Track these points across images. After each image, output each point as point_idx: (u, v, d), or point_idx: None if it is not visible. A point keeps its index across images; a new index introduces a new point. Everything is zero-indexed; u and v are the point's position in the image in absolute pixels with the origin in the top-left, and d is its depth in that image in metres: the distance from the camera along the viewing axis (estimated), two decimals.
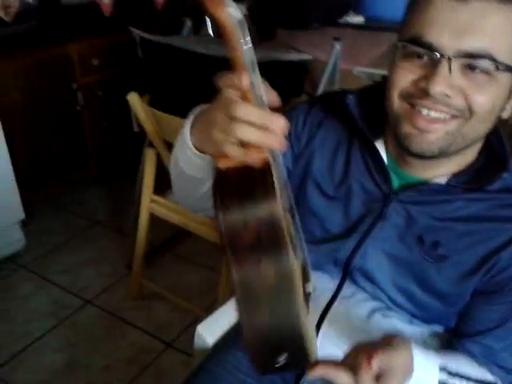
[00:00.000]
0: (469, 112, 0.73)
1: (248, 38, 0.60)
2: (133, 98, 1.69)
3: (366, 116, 0.85)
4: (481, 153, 0.83)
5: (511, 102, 0.78)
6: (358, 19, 2.03)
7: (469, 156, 0.82)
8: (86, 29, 2.47)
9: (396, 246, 0.86)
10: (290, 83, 1.74)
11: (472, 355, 0.83)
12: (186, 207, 0.98)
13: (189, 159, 0.75)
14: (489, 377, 0.82)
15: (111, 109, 2.60)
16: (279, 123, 0.58)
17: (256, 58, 1.57)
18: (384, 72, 0.84)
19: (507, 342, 0.82)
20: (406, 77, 0.74)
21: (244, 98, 0.60)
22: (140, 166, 2.03)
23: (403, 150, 0.79)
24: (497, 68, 0.70)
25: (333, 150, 0.92)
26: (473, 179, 0.81)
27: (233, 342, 1.02)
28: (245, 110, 0.58)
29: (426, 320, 0.88)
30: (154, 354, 1.87)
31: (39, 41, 2.30)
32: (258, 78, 0.63)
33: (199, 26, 2.03)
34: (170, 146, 1.81)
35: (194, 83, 1.64)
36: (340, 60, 1.82)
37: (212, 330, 1.11)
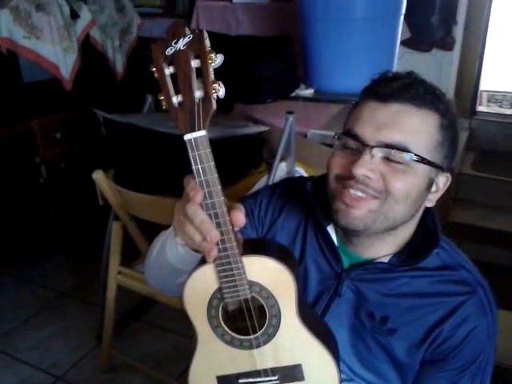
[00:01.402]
0: (385, 193, 0.84)
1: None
2: (98, 176, 1.75)
3: (320, 202, 0.94)
4: (416, 234, 0.93)
5: (436, 195, 0.90)
6: (308, 92, 2.18)
7: (404, 237, 0.92)
8: (47, 104, 2.54)
9: (352, 320, 0.94)
10: (249, 156, 1.83)
11: None
12: (157, 288, 1.03)
13: (179, 255, 0.83)
14: None
15: (74, 179, 2.65)
16: (213, 237, 0.72)
17: (217, 135, 1.67)
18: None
19: None
20: (339, 163, 0.87)
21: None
22: (106, 237, 2.06)
23: (336, 225, 0.90)
24: (411, 158, 0.82)
25: (292, 233, 1.00)
26: (410, 258, 0.90)
27: None
28: (191, 211, 0.72)
29: None
30: None
31: (2, 120, 2.35)
32: (216, 185, 0.72)
33: (159, 101, 2.11)
34: (135, 219, 1.87)
35: (157, 161, 1.71)
36: (295, 125, 1.94)
37: None
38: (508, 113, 3.60)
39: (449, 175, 0.90)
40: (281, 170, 1.89)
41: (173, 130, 1.69)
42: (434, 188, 0.89)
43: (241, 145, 1.73)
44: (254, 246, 0.80)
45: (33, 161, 2.46)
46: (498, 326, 0.91)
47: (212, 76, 0.68)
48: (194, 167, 0.71)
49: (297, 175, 1.95)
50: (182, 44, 0.67)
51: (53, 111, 2.54)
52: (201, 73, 0.68)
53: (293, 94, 2.14)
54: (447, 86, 3.10)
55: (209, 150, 0.70)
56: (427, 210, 0.92)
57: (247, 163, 1.83)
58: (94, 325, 2.24)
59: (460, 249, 0.97)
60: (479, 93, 3.57)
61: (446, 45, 3.11)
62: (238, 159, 1.71)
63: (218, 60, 0.68)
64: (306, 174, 1.97)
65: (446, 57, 3.06)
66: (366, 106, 0.85)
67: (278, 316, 0.79)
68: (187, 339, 1.99)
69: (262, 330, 0.81)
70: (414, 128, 0.83)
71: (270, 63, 1.92)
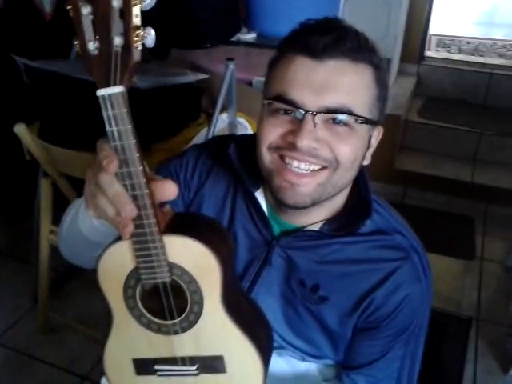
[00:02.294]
0: (335, 162, 0.77)
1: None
2: (20, 130, 1.60)
3: (247, 166, 0.87)
4: (350, 198, 0.88)
5: (370, 151, 0.84)
6: (250, 36, 2.05)
7: (339, 202, 0.87)
8: None
9: (283, 289, 0.89)
10: (186, 107, 1.72)
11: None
12: (73, 262, 0.94)
13: (93, 227, 0.73)
14: None
15: (2, 131, 2.45)
16: (127, 212, 0.61)
17: (149, 84, 1.54)
18: None
19: (388, 371, 0.89)
20: (273, 131, 0.78)
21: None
22: (36, 194, 1.93)
23: (279, 202, 0.82)
24: (356, 121, 0.75)
25: (221, 198, 0.93)
26: (342, 225, 0.85)
27: None
28: (104, 181, 0.61)
29: (317, 356, 0.93)
30: None
31: None
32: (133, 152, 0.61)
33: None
34: (64, 176, 1.74)
35: (85, 112, 1.58)
36: (237, 72, 1.83)
37: None
38: (456, 58, 3.58)
39: (381, 128, 0.85)
40: (222, 122, 1.80)
41: None
42: (370, 143, 0.84)
43: (177, 95, 1.61)
44: (182, 222, 0.71)
45: None
46: (432, 291, 0.88)
47: (136, 20, 0.56)
48: (107, 129, 0.60)
49: (239, 126, 1.87)
50: None
51: None
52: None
53: (234, 39, 2.01)
54: (396, 30, 3.02)
55: (126, 110, 0.59)
56: (360, 171, 0.86)
57: (184, 115, 1.72)
58: (31, 285, 2.14)
59: (395, 209, 0.93)
60: (428, 37, 3.52)
61: None
62: (174, 111, 1.60)
63: (147, 1, 0.56)
64: (248, 126, 1.88)
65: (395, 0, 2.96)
66: (297, 64, 0.76)
67: (200, 303, 0.72)
68: None
69: (182, 317, 0.73)
70: (354, 86, 0.75)
71: (206, 3, 1.78)
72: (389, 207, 0.91)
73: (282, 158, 0.78)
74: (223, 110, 1.80)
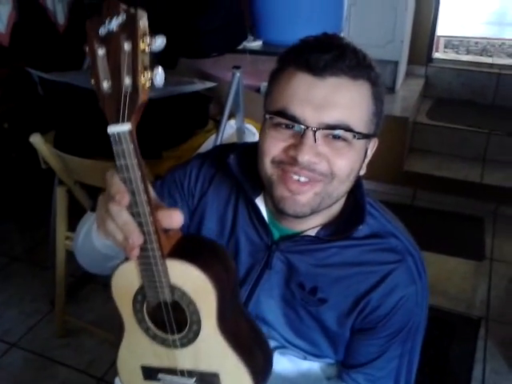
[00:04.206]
0: (331, 175, 0.80)
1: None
2: (36, 139, 1.66)
3: (248, 174, 0.91)
4: (346, 204, 0.91)
5: (366, 161, 0.88)
6: (256, 44, 2.10)
7: (335, 208, 0.90)
8: None
9: (283, 291, 0.93)
10: (194, 115, 1.77)
11: (357, 383, 0.94)
12: (88, 270, 1.00)
13: (106, 244, 0.78)
14: None
15: (19, 140, 2.52)
16: (135, 240, 0.67)
17: (159, 93, 1.59)
18: None
19: (386, 370, 0.92)
20: (276, 145, 0.81)
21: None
22: (52, 202, 1.99)
23: (279, 211, 0.85)
24: (354, 136, 0.79)
25: (223, 204, 0.97)
26: (337, 231, 0.89)
27: None
28: (115, 210, 0.66)
29: (318, 355, 0.97)
30: None
31: None
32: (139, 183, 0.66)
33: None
34: (79, 183, 1.80)
35: (96, 122, 1.63)
36: (245, 79, 1.88)
37: None
38: (464, 59, 3.59)
39: (376, 139, 0.88)
40: (230, 128, 1.84)
41: None
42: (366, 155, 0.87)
43: (185, 103, 1.66)
44: (186, 246, 0.76)
45: None
46: (427, 291, 0.91)
47: (144, 63, 0.60)
48: (116, 161, 0.64)
49: (247, 132, 1.91)
50: (114, 24, 0.60)
51: None
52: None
53: (240, 47, 2.06)
54: (402, 33, 3.04)
55: (132, 147, 0.63)
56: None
57: (193, 123, 1.77)
58: (49, 289, 2.20)
59: (391, 213, 0.95)
60: (436, 38, 3.54)
61: None
62: (183, 119, 1.65)
63: (157, 42, 0.60)
64: (256, 131, 1.93)
65: (400, 1, 2.97)
66: (298, 81, 0.78)
67: (198, 323, 0.77)
68: None
69: (183, 334, 0.79)
70: (353, 103, 0.79)
71: (213, 14, 1.82)
72: (384, 210, 0.94)
73: (283, 171, 0.81)
74: (231, 116, 1.84)
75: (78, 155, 1.61)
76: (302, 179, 0.80)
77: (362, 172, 0.88)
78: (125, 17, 0.59)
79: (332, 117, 0.77)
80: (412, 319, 0.89)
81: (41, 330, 2.10)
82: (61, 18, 2.76)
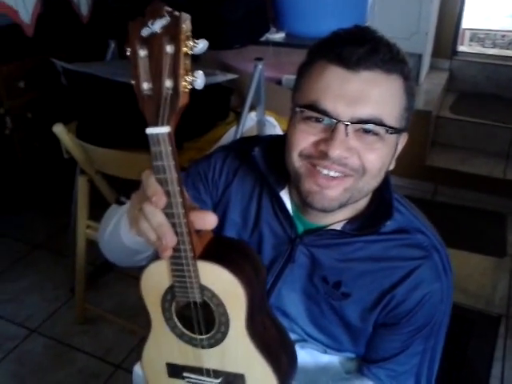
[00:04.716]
0: (362, 170, 0.79)
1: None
2: (59, 129, 1.68)
3: (273, 167, 0.90)
4: (372, 199, 0.90)
5: (395, 156, 0.86)
6: (279, 35, 2.08)
7: (362, 203, 0.89)
8: (9, 52, 2.41)
9: (305, 285, 0.93)
10: (215, 107, 1.77)
11: (378, 378, 0.93)
12: (114, 262, 1.01)
13: (135, 239, 0.78)
14: None
15: (42, 130, 2.56)
16: (168, 241, 0.67)
17: None
18: None
19: (408, 365, 0.92)
20: (305, 139, 0.80)
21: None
22: (74, 191, 2.01)
23: (307, 205, 0.85)
24: (386, 131, 0.78)
25: (247, 197, 0.97)
26: (363, 225, 0.88)
27: None
28: (149, 211, 0.66)
29: (339, 349, 0.97)
30: (104, 377, 1.88)
31: None
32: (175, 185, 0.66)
33: (123, 47, 2.01)
34: (100, 173, 1.82)
35: (119, 113, 1.65)
36: (267, 71, 1.87)
37: None
38: (490, 53, 3.52)
39: (406, 134, 0.87)
40: (250, 120, 1.84)
41: None
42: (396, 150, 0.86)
43: (207, 95, 1.65)
44: (218, 248, 0.76)
45: None
46: (452, 289, 0.90)
47: (186, 66, 0.60)
48: (153, 163, 0.65)
49: (267, 125, 1.90)
50: (158, 26, 0.59)
51: (15, 59, 2.41)
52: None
53: (263, 39, 2.05)
54: (427, 25, 3.00)
55: (170, 149, 0.63)
56: None
57: (214, 115, 1.77)
58: (69, 277, 2.24)
59: (418, 209, 0.95)
60: (461, 31, 3.47)
61: None
62: (205, 110, 1.65)
63: (199, 46, 0.60)
64: (276, 124, 1.92)
65: None
66: (330, 74, 0.77)
67: (226, 325, 0.78)
68: None
69: (210, 334, 0.79)
70: (386, 97, 0.78)
71: (235, 4, 1.81)
72: (410, 206, 0.93)
73: (312, 165, 0.81)
74: (252, 108, 1.84)
75: (100, 145, 1.63)
76: (332, 173, 0.79)
77: (392, 167, 0.87)
78: (168, 19, 0.59)
79: (365, 111, 0.76)
80: (436, 316, 0.88)
81: (61, 317, 2.14)
82: (84, 9, 2.78)
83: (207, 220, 0.69)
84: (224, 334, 0.78)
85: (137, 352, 1.94)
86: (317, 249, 0.91)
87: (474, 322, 2.09)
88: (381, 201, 0.89)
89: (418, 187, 3.00)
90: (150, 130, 0.62)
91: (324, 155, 0.77)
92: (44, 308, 2.18)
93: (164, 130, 0.62)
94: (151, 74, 0.61)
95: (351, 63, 0.75)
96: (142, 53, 0.61)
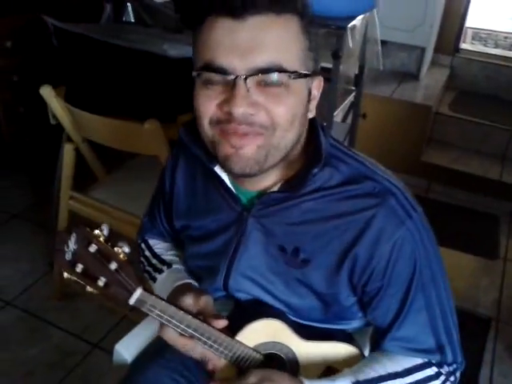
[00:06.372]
0: (272, 125, 0.73)
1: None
2: (46, 92, 1.58)
3: (200, 144, 0.83)
4: (306, 154, 0.84)
5: (313, 103, 0.81)
6: None
7: (294, 160, 0.83)
8: None
9: (264, 260, 0.87)
10: None
11: (393, 353, 0.86)
12: None
13: None
14: (417, 361, 0.86)
15: (29, 94, 2.44)
16: (216, 365, 0.85)
17: (180, 53, 1.50)
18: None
19: (417, 326, 0.84)
20: (209, 104, 0.74)
21: None
22: (58, 160, 1.91)
23: (228, 172, 0.80)
24: (289, 77, 0.72)
25: (191, 182, 0.96)
26: (300, 181, 0.81)
27: (152, 358, 1.00)
28: (188, 348, 0.82)
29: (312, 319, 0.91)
30: (80, 355, 1.80)
31: None
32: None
33: (120, 11, 1.92)
34: (90, 141, 1.72)
35: (111, 76, 1.55)
36: None
37: (131, 347, 1.08)
38: (492, 52, 3.48)
39: (321, 77, 0.80)
40: None
41: (131, 44, 1.52)
42: (311, 96, 0.80)
43: None
44: (235, 315, 0.90)
45: None
46: (426, 227, 0.82)
47: (111, 247, 0.73)
48: (157, 319, 0.78)
49: None
50: (73, 245, 0.73)
51: (2, 15, 2.28)
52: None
53: None
54: (432, 18, 2.94)
55: (154, 298, 0.77)
56: (311, 123, 0.83)
57: None
58: (48, 250, 2.14)
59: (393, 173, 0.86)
60: (464, 29, 3.42)
61: None
62: None
63: (105, 230, 0.74)
64: None
65: None
66: (219, 28, 0.70)
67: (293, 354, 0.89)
68: None
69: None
70: (282, 40, 0.71)
71: None
72: (358, 154, 0.86)
73: (222, 130, 0.75)
74: None
75: (89, 111, 1.53)
76: (241, 131, 0.73)
77: (311, 115, 0.81)
78: (75, 234, 0.73)
79: (261, 59, 0.70)
80: (418, 262, 0.81)
81: (37, 291, 2.05)
82: None
83: (220, 325, 0.81)
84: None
85: (116, 331, 1.87)
86: (267, 219, 0.85)
87: (463, 323, 2.04)
88: (313, 152, 0.82)
89: (412, 183, 2.93)
90: (132, 301, 0.75)
91: (230, 116, 0.72)
92: (19, 280, 2.08)
93: (138, 292, 0.75)
94: (97, 274, 0.73)
95: (237, 10, 0.69)
96: (79, 269, 0.73)
